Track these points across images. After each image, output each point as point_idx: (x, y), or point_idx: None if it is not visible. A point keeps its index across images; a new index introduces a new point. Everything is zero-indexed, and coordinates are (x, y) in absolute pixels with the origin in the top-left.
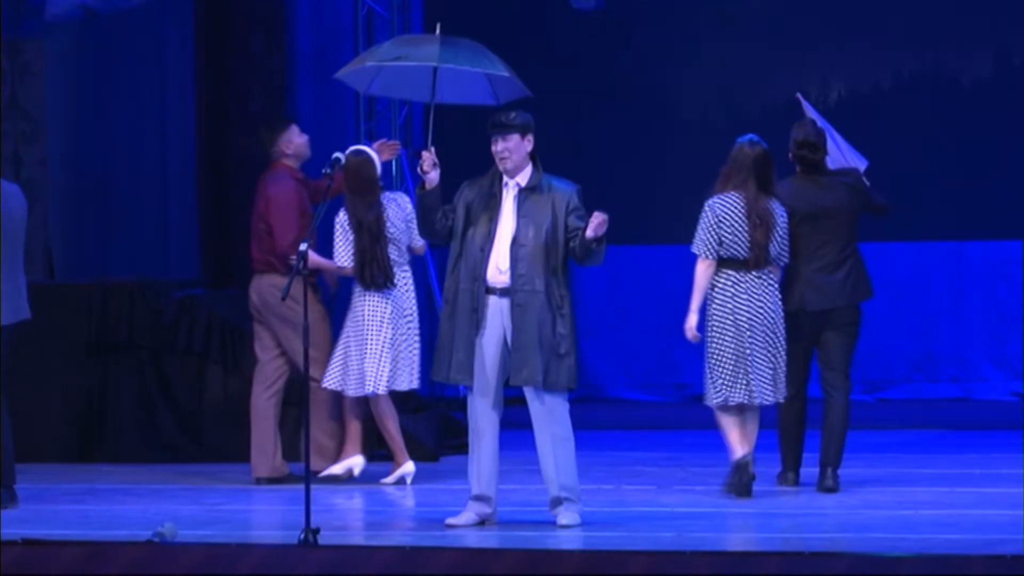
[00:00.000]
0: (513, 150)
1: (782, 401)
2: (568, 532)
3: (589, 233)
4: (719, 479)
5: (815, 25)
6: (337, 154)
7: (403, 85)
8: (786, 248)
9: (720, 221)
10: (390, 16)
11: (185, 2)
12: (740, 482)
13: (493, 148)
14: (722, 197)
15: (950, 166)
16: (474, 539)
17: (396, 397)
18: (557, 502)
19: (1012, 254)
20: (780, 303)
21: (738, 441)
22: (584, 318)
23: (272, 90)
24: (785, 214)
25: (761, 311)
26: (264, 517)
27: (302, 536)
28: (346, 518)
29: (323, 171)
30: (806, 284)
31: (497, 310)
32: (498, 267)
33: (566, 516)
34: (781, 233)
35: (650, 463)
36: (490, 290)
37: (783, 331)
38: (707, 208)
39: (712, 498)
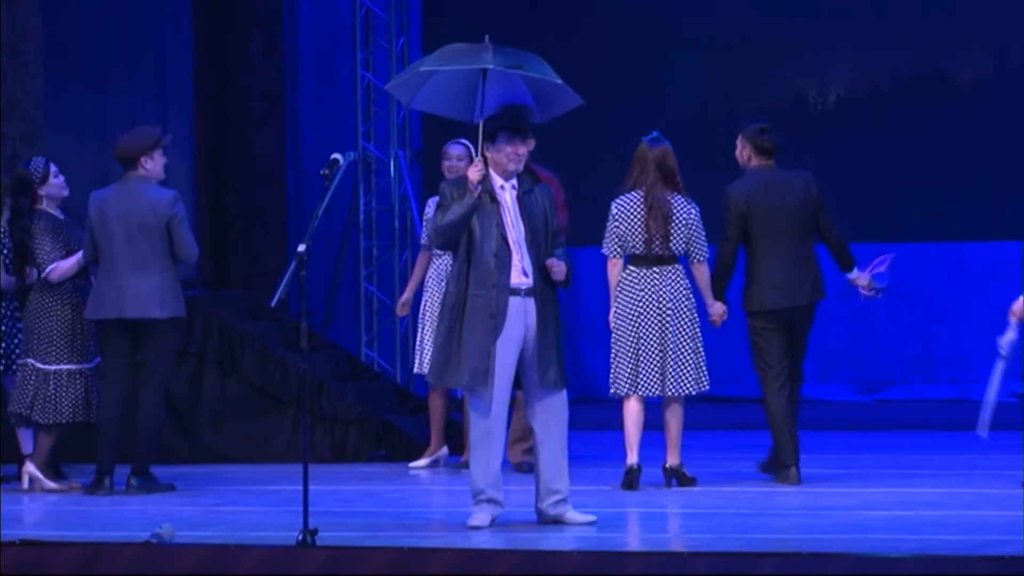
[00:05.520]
0: (525, 156)
1: (675, 395)
2: (567, 532)
3: (558, 278)
4: (716, 479)
5: (814, 26)
6: (335, 155)
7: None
8: (699, 245)
9: (617, 220)
10: (388, 17)
11: (184, 3)
12: (627, 482)
13: (509, 149)
14: (622, 197)
15: (948, 167)
16: (473, 540)
17: (394, 398)
18: (562, 502)
19: (1011, 255)
20: (687, 299)
21: (632, 445)
22: (584, 319)
23: (271, 91)
24: (696, 211)
25: (658, 306)
26: (262, 518)
27: (300, 537)
28: (344, 519)
29: (321, 172)
30: (766, 284)
31: (520, 311)
32: (524, 270)
33: (579, 514)
34: (689, 229)
35: (648, 463)
36: (513, 292)
37: (690, 326)
38: (610, 209)
39: (711, 499)
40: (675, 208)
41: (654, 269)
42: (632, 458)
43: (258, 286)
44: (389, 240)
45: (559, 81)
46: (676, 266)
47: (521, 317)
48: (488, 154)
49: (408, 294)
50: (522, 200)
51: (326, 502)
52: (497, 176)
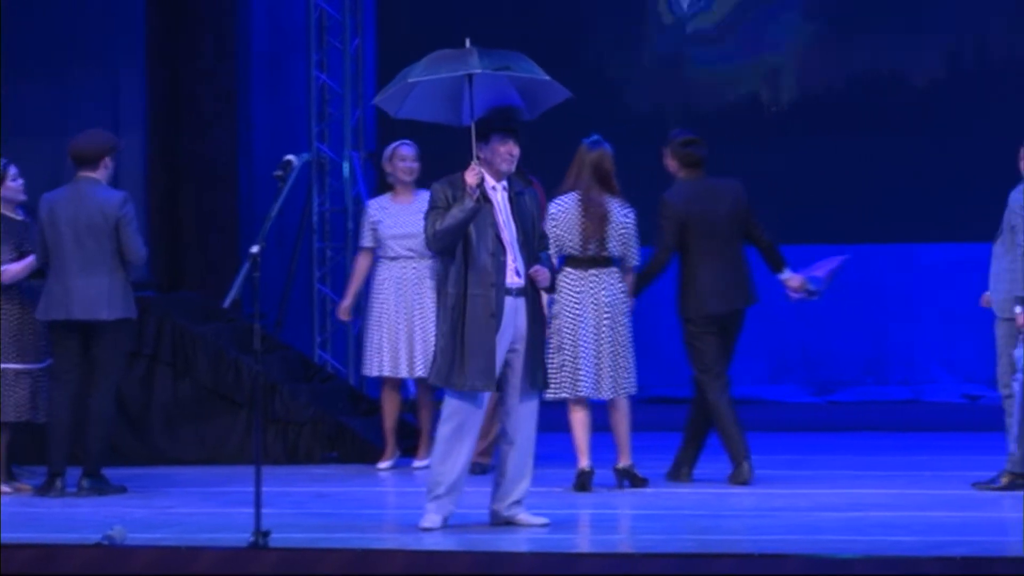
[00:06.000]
0: (518, 156)
1: (613, 397)
2: (521, 534)
3: (543, 286)
4: (668, 480)
5: (767, 26)
6: (289, 156)
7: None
8: (633, 250)
9: (555, 221)
10: (342, 18)
11: (137, 5)
12: (579, 484)
13: (503, 149)
14: (560, 198)
15: (901, 168)
16: (428, 541)
17: (347, 399)
18: (517, 503)
19: (963, 256)
20: (624, 302)
21: (582, 450)
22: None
23: (223, 92)
24: (632, 215)
25: (595, 310)
26: (214, 520)
27: (252, 539)
28: (297, 520)
29: (274, 173)
30: (707, 290)
31: (512, 311)
32: (516, 270)
33: (532, 516)
34: (624, 232)
35: (600, 464)
36: (507, 291)
37: (626, 329)
38: (548, 209)
39: (663, 500)
40: (611, 211)
41: (591, 272)
42: (583, 462)
43: (211, 288)
44: (342, 241)
45: (546, 77)
46: (613, 269)
47: (512, 317)
48: (481, 155)
49: (349, 300)
50: (513, 201)
51: (279, 504)
52: (489, 177)
